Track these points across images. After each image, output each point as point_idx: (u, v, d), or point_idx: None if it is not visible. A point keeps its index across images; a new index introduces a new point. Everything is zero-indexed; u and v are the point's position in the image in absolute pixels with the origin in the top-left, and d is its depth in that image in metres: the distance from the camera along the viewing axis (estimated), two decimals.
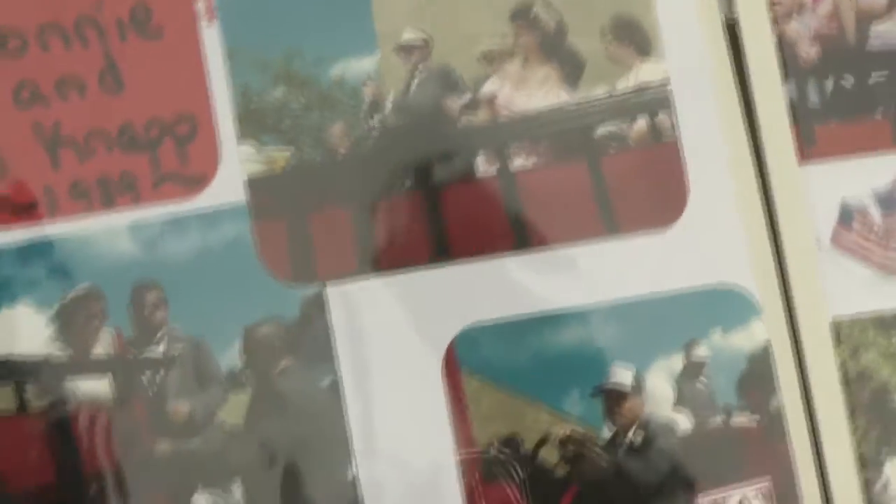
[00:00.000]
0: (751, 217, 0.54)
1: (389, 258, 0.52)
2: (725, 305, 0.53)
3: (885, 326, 0.54)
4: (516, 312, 0.52)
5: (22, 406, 0.50)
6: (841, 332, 0.54)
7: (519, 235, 0.52)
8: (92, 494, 0.50)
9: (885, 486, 0.54)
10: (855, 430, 0.53)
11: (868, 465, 0.54)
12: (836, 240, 0.55)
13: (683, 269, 0.53)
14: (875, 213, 0.55)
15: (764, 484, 0.52)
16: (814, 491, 0.53)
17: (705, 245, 0.53)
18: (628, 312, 0.53)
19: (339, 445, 0.51)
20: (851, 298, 0.54)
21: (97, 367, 0.51)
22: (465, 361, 0.52)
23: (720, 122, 0.54)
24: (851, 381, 0.54)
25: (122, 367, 0.51)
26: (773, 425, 0.52)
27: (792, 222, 0.54)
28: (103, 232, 0.51)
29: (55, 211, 0.51)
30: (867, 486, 0.53)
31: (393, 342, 0.51)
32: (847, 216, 0.59)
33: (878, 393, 0.54)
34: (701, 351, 0.53)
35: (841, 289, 0.54)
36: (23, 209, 0.51)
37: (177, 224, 0.51)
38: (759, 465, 0.53)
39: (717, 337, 0.54)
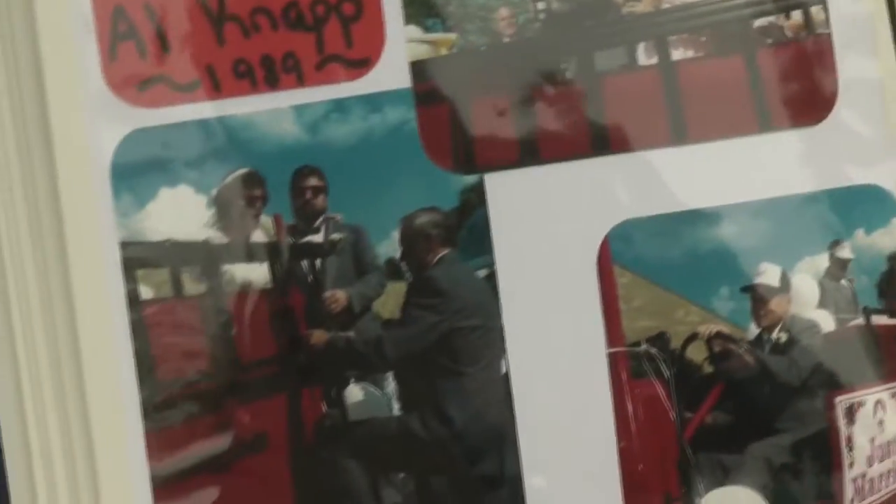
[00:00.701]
0: (894, 112, 0.63)
1: (549, 148, 0.60)
2: (868, 205, 0.63)
3: None
4: (670, 207, 0.61)
5: (178, 290, 0.59)
6: None
7: (676, 129, 0.61)
8: (246, 381, 0.59)
9: None
10: None
11: None
12: None
13: (830, 167, 0.62)
14: None
15: None
16: None
17: (852, 143, 0.63)
18: (776, 210, 0.62)
19: (492, 338, 0.60)
20: None
21: (255, 253, 0.59)
22: (619, 256, 0.61)
23: (867, 18, 0.63)
24: None
25: (280, 253, 0.59)
26: None
27: None
28: (266, 113, 0.59)
29: (218, 90, 0.59)
30: None
31: (549, 234, 0.60)
32: None
33: None
34: (845, 251, 0.63)
35: None
36: (185, 87, 0.58)
37: (340, 107, 0.59)
38: (894, 366, 0.63)
39: (860, 237, 0.63)
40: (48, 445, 0.58)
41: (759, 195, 0.63)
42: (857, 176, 0.64)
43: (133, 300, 0.59)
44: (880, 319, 0.64)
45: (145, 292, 0.59)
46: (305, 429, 0.60)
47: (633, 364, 0.62)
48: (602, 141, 0.62)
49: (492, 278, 0.61)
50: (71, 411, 0.58)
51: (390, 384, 0.60)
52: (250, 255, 0.59)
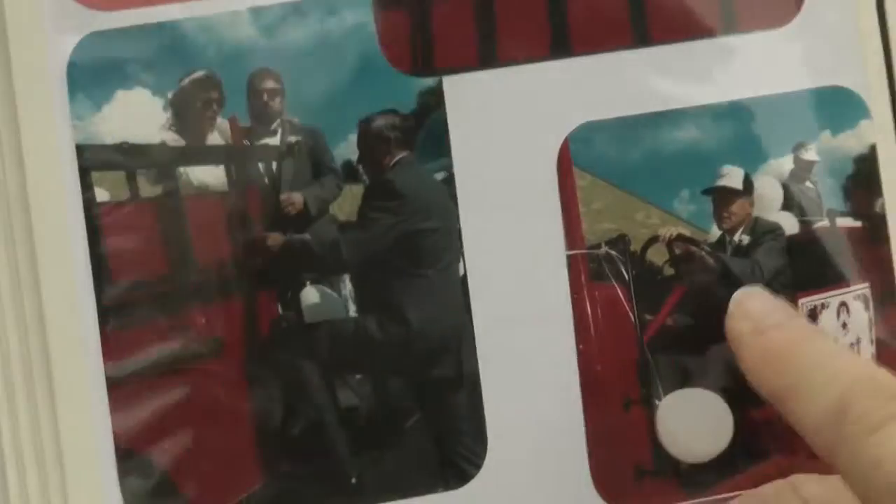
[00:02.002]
0: (864, 14, 0.72)
1: (508, 51, 0.69)
2: (836, 107, 0.72)
3: None
4: (631, 110, 0.70)
5: (134, 193, 0.66)
6: None
7: (638, 30, 0.70)
8: (201, 284, 0.67)
9: None
10: None
11: None
12: None
13: (797, 69, 0.71)
14: None
15: (863, 289, 0.72)
16: None
17: (820, 44, 0.71)
18: (741, 113, 0.71)
19: (450, 240, 0.68)
20: None
21: (212, 155, 0.67)
22: (579, 158, 0.69)
23: None
24: None
25: (237, 155, 0.67)
26: (877, 229, 0.72)
27: None
28: (224, 15, 0.66)
29: None
30: None
31: (508, 137, 0.69)
32: None
33: None
34: (810, 153, 0.72)
35: None
36: None
37: (297, 10, 0.67)
38: (861, 269, 0.72)
39: (826, 139, 0.72)
40: (6, 347, 0.67)
41: (724, 97, 0.71)
42: (825, 78, 0.71)
43: (89, 203, 0.67)
44: (845, 221, 0.72)
45: (101, 195, 0.66)
46: (261, 331, 0.68)
47: (592, 266, 0.70)
48: (562, 43, 0.71)
49: (449, 181, 0.69)
50: (28, 313, 0.66)
51: (346, 286, 0.70)
52: (206, 157, 0.69)
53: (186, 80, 0.68)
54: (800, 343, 0.65)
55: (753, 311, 0.68)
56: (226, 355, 0.68)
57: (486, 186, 0.70)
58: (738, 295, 0.69)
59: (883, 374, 0.62)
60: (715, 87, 0.72)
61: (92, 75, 0.67)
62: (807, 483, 0.69)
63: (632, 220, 0.72)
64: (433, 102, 0.69)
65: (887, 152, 0.74)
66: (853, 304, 0.73)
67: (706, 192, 0.72)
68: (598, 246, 0.71)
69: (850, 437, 0.59)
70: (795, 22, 0.72)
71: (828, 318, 0.73)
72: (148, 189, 0.68)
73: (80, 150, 0.68)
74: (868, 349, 0.73)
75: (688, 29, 0.71)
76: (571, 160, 0.71)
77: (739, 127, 0.72)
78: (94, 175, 0.68)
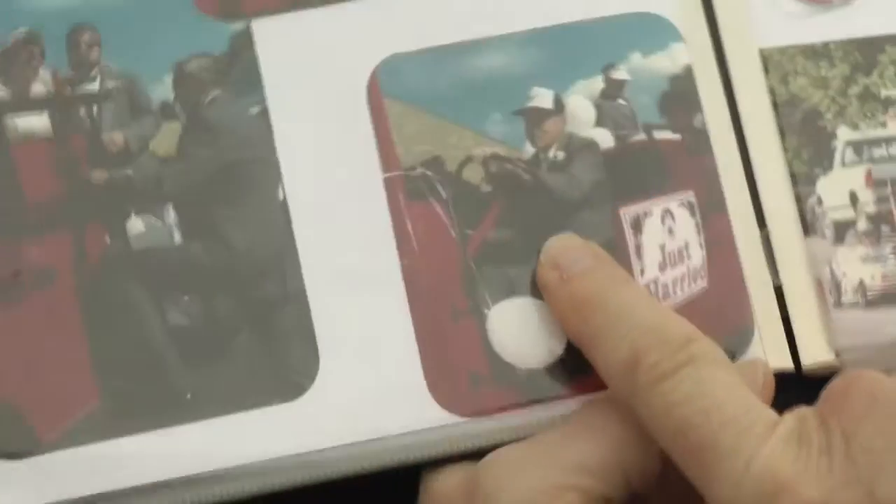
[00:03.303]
0: None
1: None
2: (645, 31, 0.96)
3: (814, 57, 0.98)
4: (438, 41, 0.95)
5: None
6: (770, 62, 0.97)
7: None
8: (33, 222, 0.90)
9: (819, 201, 0.97)
10: (786, 150, 0.97)
11: (800, 182, 0.96)
12: None
13: None
14: None
15: (687, 196, 0.95)
16: (744, 200, 0.96)
17: None
18: (547, 39, 0.95)
19: (268, 169, 0.91)
20: (780, 30, 0.99)
21: (36, 104, 0.91)
22: (388, 88, 0.93)
23: None
24: (781, 105, 0.97)
25: (59, 103, 0.92)
26: (697, 141, 0.94)
27: None
28: None
29: None
30: (799, 200, 0.96)
31: (319, 71, 0.93)
32: None
33: (809, 115, 0.98)
34: (620, 73, 0.95)
35: (770, 21, 0.99)
36: None
37: None
38: (682, 178, 0.95)
39: (636, 60, 0.95)
40: None
41: (529, 25, 0.97)
42: (635, 5, 0.98)
43: None
44: (663, 134, 0.97)
45: None
46: (91, 260, 0.91)
47: (409, 187, 0.94)
48: None
49: (265, 114, 0.94)
50: None
51: (171, 215, 0.91)
52: (31, 106, 0.92)
53: (10, 37, 0.94)
54: (602, 292, 0.89)
55: (561, 259, 0.92)
56: (59, 284, 0.91)
57: (301, 118, 0.95)
58: (547, 243, 0.93)
59: (674, 323, 0.85)
60: (521, 16, 0.99)
61: None
62: None
63: (445, 143, 0.96)
64: (245, 44, 0.95)
65: (706, 74, 1.00)
66: (677, 210, 0.96)
67: (517, 113, 0.97)
68: (414, 168, 0.95)
69: (643, 386, 0.83)
70: None
71: (652, 225, 0.96)
72: None
73: None
74: (698, 253, 0.97)
75: None
76: (381, 89, 0.96)
77: (546, 52, 0.97)
78: None
